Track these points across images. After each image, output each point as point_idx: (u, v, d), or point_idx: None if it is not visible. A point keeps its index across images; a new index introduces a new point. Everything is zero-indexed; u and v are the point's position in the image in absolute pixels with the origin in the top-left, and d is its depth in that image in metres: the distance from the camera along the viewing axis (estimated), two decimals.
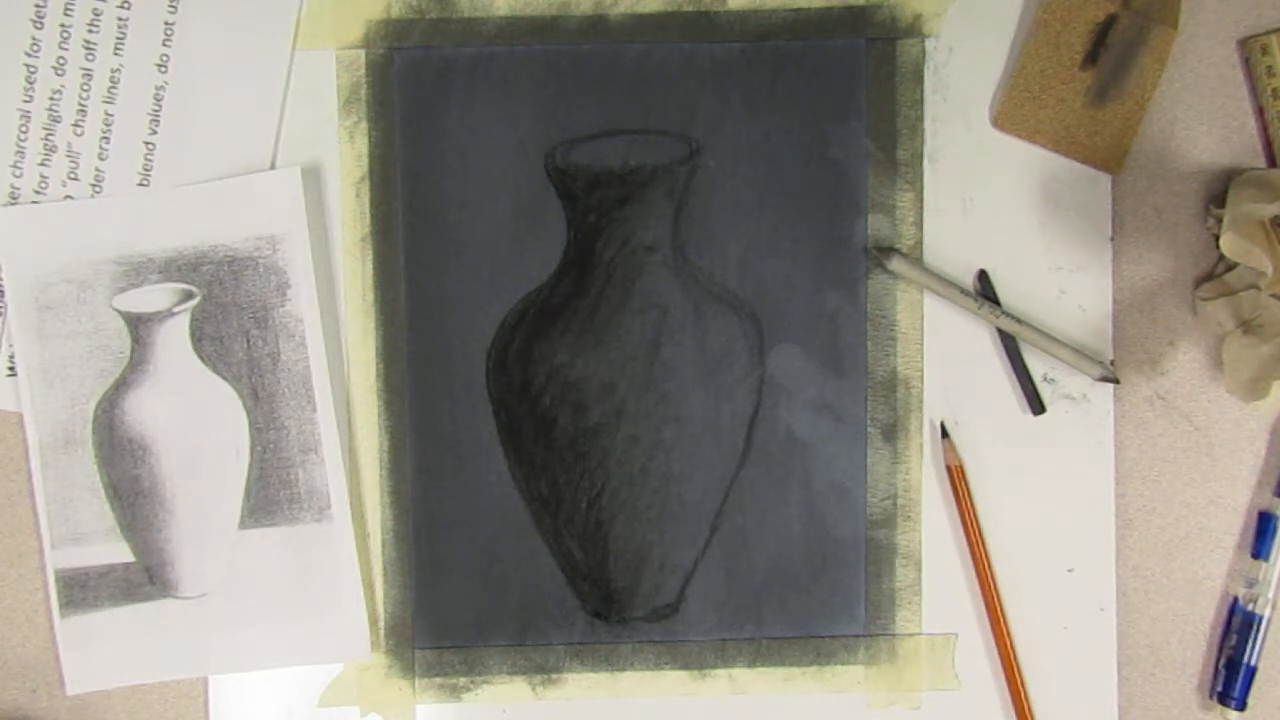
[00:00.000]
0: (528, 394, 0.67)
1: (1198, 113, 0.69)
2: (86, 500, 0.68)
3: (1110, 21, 0.67)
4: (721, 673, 0.70)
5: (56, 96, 0.67)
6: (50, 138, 0.67)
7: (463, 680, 0.70)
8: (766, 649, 0.70)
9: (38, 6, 0.67)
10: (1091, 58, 0.67)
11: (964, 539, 0.69)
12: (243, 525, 0.68)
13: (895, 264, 0.68)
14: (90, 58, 0.67)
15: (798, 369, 0.69)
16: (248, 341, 0.67)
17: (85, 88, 0.67)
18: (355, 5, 0.67)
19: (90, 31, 0.67)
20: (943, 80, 0.68)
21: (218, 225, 0.67)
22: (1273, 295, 0.66)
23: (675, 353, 0.67)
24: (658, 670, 0.70)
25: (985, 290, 0.69)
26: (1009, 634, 0.69)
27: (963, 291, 0.68)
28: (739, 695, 0.70)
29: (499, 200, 0.68)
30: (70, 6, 0.67)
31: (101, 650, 0.68)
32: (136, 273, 0.67)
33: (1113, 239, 0.69)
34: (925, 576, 0.69)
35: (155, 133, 0.67)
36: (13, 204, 0.67)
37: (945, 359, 0.69)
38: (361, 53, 0.67)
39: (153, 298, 0.67)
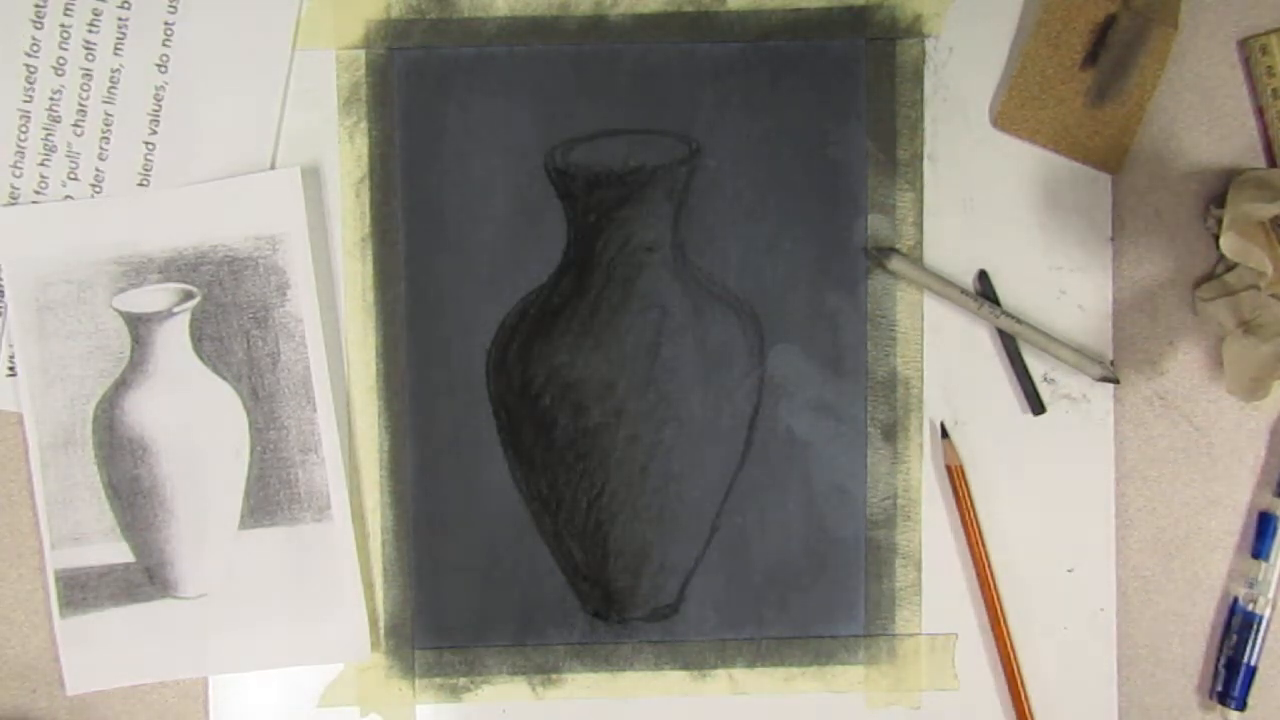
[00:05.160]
0: (528, 394, 0.67)
1: (1198, 113, 0.69)
2: (86, 500, 0.68)
3: (1110, 21, 0.67)
4: (721, 673, 0.70)
5: (56, 96, 0.67)
6: (50, 138, 0.67)
7: (463, 680, 0.70)
8: (766, 649, 0.70)
9: (38, 6, 0.67)
10: (1091, 58, 0.67)
11: (964, 539, 0.69)
12: (243, 525, 0.68)
13: (895, 264, 0.68)
14: (90, 58, 0.67)
15: (798, 369, 0.69)
16: (248, 341, 0.67)
17: (85, 88, 0.67)
18: (355, 5, 0.67)
19: (90, 31, 0.67)
20: (943, 80, 0.68)
21: (218, 225, 0.67)
22: (1273, 295, 0.66)
23: (675, 353, 0.67)
24: (658, 670, 0.70)
25: (985, 290, 0.69)
26: (1009, 634, 0.69)
27: (963, 291, 0.68)
28: (739, 695, 0.70)
29: (499, 200, 0.68)
30: (70, 6, 0.67)
31: (101, 650, 0.68)
32: (136, 273, 0.67)
33: (1113, 239, 0.69)
34: (925, 576, 0.69)
35: (155, 133, 0.67)
36: (13, 204, 0.67)
37: (945, 359, 0.69)
38: (361, 53, 0.67)
39: (153, 298, 0.67)
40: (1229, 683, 0.69)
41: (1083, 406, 0.69)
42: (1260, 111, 0.68)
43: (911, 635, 0.70)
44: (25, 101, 0.67)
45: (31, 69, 0.67)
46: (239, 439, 0.68)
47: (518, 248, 0.68)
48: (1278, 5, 0.68)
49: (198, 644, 0.68)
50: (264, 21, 0.67)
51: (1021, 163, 0.68)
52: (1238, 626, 0.69)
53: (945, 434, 0.69)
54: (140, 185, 0.67)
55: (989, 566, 0.69)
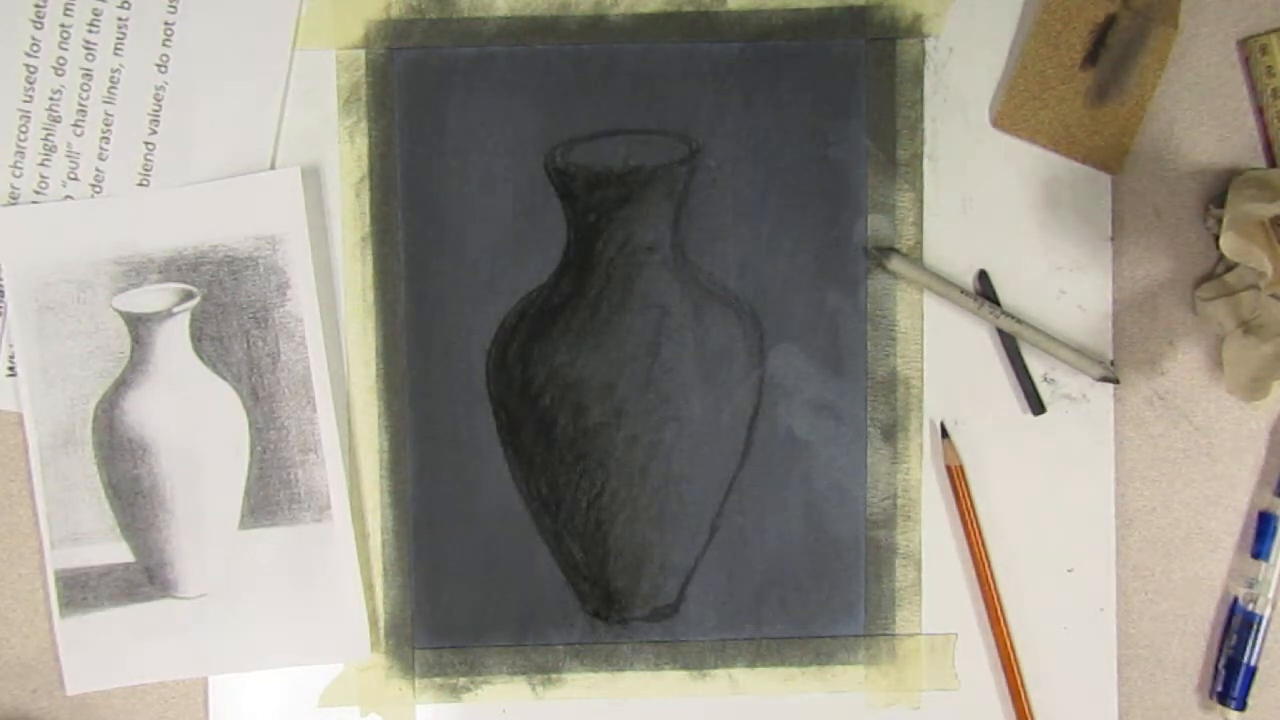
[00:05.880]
0: (528, 394, 0.67)
1: (1198, 113, 0.69)
2: (86, 500, 0.68)
3: (1110, 21, 0.67)
4: (721, 673, 0.70)
5: (56, 96, 0.67)
6: (50, 138, 0.67)
7: (463, 680, 0.70)
8: (766, 649, 0.70)
9: (38, 6, 0.67)
10: (1091, 58, 0.67)
11: (964, 539, 0.69)
12: (242, 525, 0.68)
13: (895, 264, 0.68)
14: (90, 58, 0.67)
15: (798, 369, 0.69)
16: (248, 341, 0.67)
17: (85, 88, 0.67)
18: (355, 5, 0.67)
19: (90, 31, 0.67)
20: (943, 80, 0.68)
21: (218, 225, 0.67)
22: (1273, 295, 0.66)
23: (675, 353, 0.67)
24: (658, 670, 0.70)
25: (985, 290, 0.69)
26: (1009, 634, 0.69)
27: (963, 291, 0.68)
28: (739, 695, 0.70)
29: (499, 200, 0.68)
30: (70, 6, 0.67)
31: (101, 650, 0.68)
32: (136, 273, 0.67)
33: (1113, 239, 0.69)
34: (925, 576, 0.69)
35: (155, 133, 0.67)
36: (13, 204, 0.67)
37: (945, 359, 0.69)
38: (361, 53, 0.67)
39: (153, 298, 0.67)
40: (1229, 683, 0.69)
41: (1083, 406, 0.69)
42: (1260, 111, 0.68)
43: (911, 635, 0.70)
44: (25, 101, 0.67)
45: (31, 69, 0.67)
46: (239, 439, 0.68)
47: (518, 248, 0.68)
48: (1278, 5, 0.68)
49: (198, 644, 0.68)
50: (264, 21, 0.67)
51: (1021, 163, 0.68)
52: (1238, 626, 0.69)
53: (945, 434, 0.69)
54: (140, 185, 0.67)
55: (989, 566, 0.69)
